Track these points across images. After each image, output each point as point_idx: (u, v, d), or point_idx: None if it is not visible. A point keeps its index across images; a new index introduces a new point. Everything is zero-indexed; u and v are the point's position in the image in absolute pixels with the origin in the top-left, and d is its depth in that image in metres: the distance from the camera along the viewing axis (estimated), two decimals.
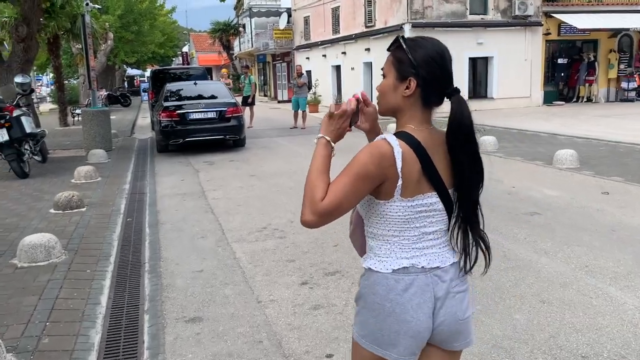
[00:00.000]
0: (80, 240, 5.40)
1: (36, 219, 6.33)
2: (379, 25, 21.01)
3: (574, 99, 21.59)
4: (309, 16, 27.84)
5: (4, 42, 12.18)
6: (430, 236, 1.63)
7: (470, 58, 19.90)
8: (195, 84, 12.53)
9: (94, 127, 11.94)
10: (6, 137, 8.56)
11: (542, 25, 20.30)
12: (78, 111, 19.42)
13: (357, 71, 22.91)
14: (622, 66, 21.25)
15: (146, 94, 33.39)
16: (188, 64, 58.11)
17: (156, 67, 64.14)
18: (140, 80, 61.65)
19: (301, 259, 4.80)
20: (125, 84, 50.20)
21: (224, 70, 32.26)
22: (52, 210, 6.67)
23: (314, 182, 1.56)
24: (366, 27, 21.89)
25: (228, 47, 47.14)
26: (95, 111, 12.03)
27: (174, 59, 62.32)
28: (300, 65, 17.41)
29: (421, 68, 1.57)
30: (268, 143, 13.03)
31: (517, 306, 3.68)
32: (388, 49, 1.67)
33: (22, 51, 10.51)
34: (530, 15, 19.88)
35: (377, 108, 1.72)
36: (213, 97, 12.06)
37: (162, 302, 3.98)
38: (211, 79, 29.14)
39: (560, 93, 21.72)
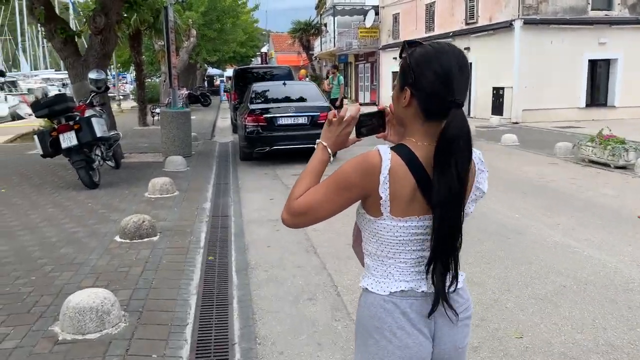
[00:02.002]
0: (147, 295, 3.95)
1: (97, 250, 5.00)
2: (482, 22, 18.87)
3: None
4: (398, 13, 26.00)
5: (82, 35, 11.23)
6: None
7: (589, 60, 17.35)
8: (284, 84, 11.09)
9: (173, 130, 10.76)
10: (75, 142, 7.41)
11: None
12: (158, 110, 18.65)
13: None
14: None
15: (225, 94, 32.98)
16: (267, 64, 57.80)
17: (235, 67, 64.66)
18: (220, 80, 62.15)
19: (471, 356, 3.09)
20: (205, 83, 50.28)
21: (302, 71, 31.09)
22: (117, 238, 5.34)
23: (298, 181, 1.55)
24: (466, 24, 19.80)
25: (308, 48, 46.08)
26: (175, 112, 10.86)
27: (252, 59, 62.35)
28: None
29: (417, 78, 1.43)
30: (361, 150, 11.37)
31: None
32: (399, 56, 1.52)
33: (99, 44, 9.47)
34: None
35: None
36: (304, 99, 10.58)
37: None
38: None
39: None
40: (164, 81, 22.23)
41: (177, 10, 19.15)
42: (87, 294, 3.43)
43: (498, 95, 17.95)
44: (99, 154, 8.21)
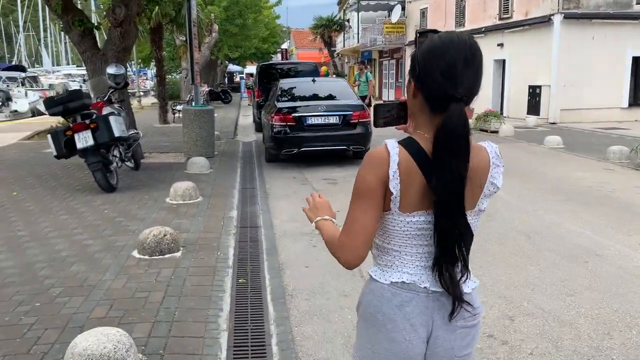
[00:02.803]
0: (169, 331, 3.30)
1: (111, 269, 4.37)
2: (517, 16, 17.96)
3: None
4: (426, 8, 25.14)
5: (101, 28, 10.66)
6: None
7: (633, 57, 16.35)
8: (313, 81, 10.39)
9: (195, 129, 10.15)
10: (91, 142, 6.82)
11: None
12: (179, 108, 18.12)
13: (486, 70, 19.80)
14: None
15: (246, 91, 32.40)
16: (287, 60, 57.18)
17: (256, 63, 64.24)
18: (240, 77, 61.69)
19: None
20: (226, 80, 49.85)
21: (323, 68, 30.37)
22: (135, 254, 4.71)
23: (331, 240, 1.54)
24: (500, 19, 18.90)
25: (330, 44, 45.43)
26: (197, 110, 10.24)
27: (273, 55, 61.77)
28: None
29: (420, 68, 1.40)
30: None
31: None
32: (414, 45, 1.49)
33: (118, 37, 8.88)
34: None
35: None
36: (334, 97, 9.87)
37: None
38: None
39: None
40: (185, 77, 21.72)
41: (199, 4, 18.58)
42: (96, 336, 2.78)
43: (534, 94, 17.04)
44: (117, 155, 7.62)
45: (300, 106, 9.33)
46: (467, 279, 1.45)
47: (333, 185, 8.02)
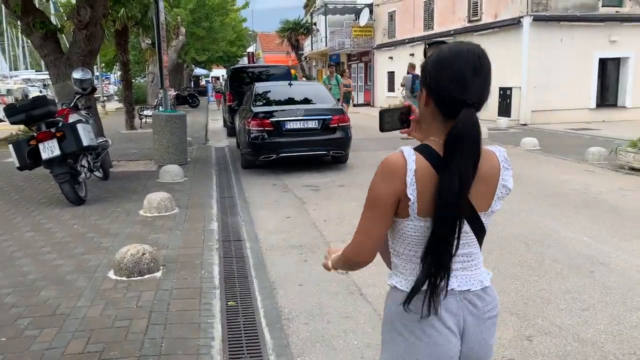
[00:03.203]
0: None
1: (86, 293, 3.97)
2: (486, 19, 18.06)
3: None
4: (394, 11, 25.13)
5: (64, 31, 10.11)
6: (460, 258, 1.50)
7: (600, 59, 16.61)
8: (290, 84, 10.08)
9: (167, 136, 9.70)
10: (57, 152, 6.35)
11: None
12: (146, 113, 17.55)
13: None
14: None
15: (214, 94, 31.77)
16: (254, 64, 56.55)
17: (222, 67, 63.18)
18: (206, 80, 60.70)
19: None
20: (191, 83, 48.97)
21: (291, 72, 29.99)
22: (111, 275, 4.32)
23: (345, 254, 1.61)
24: (469, 21, 18.96)
25: (297, 47, 45.14)
26: (168, 116, 9.80)
27: (239, 59, 61.04)
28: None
29: (431, 77, 1.47)
30: (373, 159, 10.42)
31: None
32: (423, 56, 1.58)
33: (84, 40, 8.37)
34: None
35: None
36: (311, 101, 9.58)
37: None
38: None
39: None
40: (152, 81, 21.12)
41: (165, 7, 18.05)
42: None
43: (505, 96, 17.13)
44: (86, 165, 7.15)
45: (277, 110, 9.01)
46: (449, 276, 1.49)
47: (315, 192, 7.72)
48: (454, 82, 1.41)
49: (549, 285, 4.06)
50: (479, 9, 18.44)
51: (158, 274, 4.37)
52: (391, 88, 24.15)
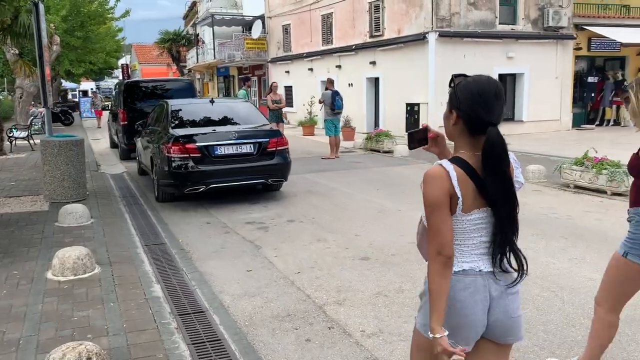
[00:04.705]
0: None
1: None
2: (389, 34, 17.89)
3: (597, 122, 19.30)
4: (289, 24, 24.39)
5: None
6: (487, 244, 1.90)
7: (499, 75, 17.11)
8: (211, 101, 8.71)
9: (61, 166, 7.91)
10: None
11: (574, 38, 17.88)
12: (18, 134, 15.01)
13: (358, 88, 19.63)
14: None
15: (94, 111, 28.70)
16: (129, 76, 52.88)
17: (92, 80, 58.34)
18: (73, 95, 55.63)
19: None
20: (60, 98, 44.40)
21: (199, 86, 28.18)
22: None
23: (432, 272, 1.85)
24: (372, 36, 18.71)
25: (178, 59, 42.87)
26: (63, 142, 7.98)
27: (112, 71, 56.76)
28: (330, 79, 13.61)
29: (462, 104, 1.85)
30: (307, 184, 9.40)
31: None
32: (449, 85, 1.94)
33: None
34: (563, 27, 17.42)
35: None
36: (240, 122, 8.31)
37: None
38: None
39: (587, 115, 19.41)
40: (20, 97, 18.29)
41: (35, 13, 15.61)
42: None
43: (412, 112, 17.01)
44: None
45: (204, 133, 7.65)
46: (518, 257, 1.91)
47: (264, 231, 6.51)
48: (481, 106, 1.83)
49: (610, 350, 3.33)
50: (381, 24, 18.25)
51: None
52: (289, 103, 23.28)
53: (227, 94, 34.06)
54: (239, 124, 8.15)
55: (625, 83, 19.01)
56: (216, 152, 7.50)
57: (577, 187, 8.29)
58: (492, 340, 1.92)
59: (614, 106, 19.22)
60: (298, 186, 9.12)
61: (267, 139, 7.75)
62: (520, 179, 1.94)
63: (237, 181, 7.64)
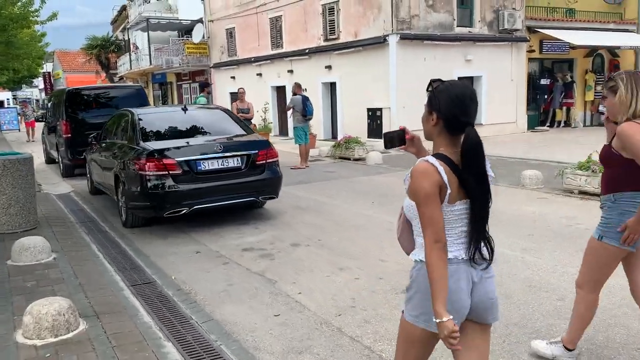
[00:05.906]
0: None
1: None
2: (345, 37, 17.26)
3: (548, 123, 19.57)
4: (233, 28, 23.26)
5: None
6: (466, 233, 2.06)
7: (459, 77, 16.86)
8: (184, 109, 7.59)
9: (7, 190, 6.58)
10: None
11: (528, 40, 17.98)
12: None
13: (313, 93, 18.77)
14: (598, 88, 19.65)
15: (6, 122, 26.26)
16: (52, 85, 49.44)
17: (6, 90, 54.19)
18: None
19: None
20: None
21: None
22: None
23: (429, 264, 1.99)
24: (326, 39, 18.01)
25: (108, 66, 40.47)
26: (8, 160, 6.64)
27: (33, 80, 52.95)
28: (298, 83, 12.60)
29: (442, 107, 2.06)
30: (290, 198, 8.46)
31: None
32: (427, 89, 2.15)
33: None
34: (517, 29, 17.46)
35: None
36: (220, 132, 7.27)
37: None
38: None
39: (539, 117, 19.62)
40: None
41: None
42: None
43: (375, 117, 16.42)
44: None
45: (184, 146, 6.56)
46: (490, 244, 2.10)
47: (270, 260, 5.54)
48: (459, 108, 2.03)
49: None
50: (336, 27, 17.57)
51: None
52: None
53: (165, 102, 32.33)
54: (219, 135, 7.11)
55: (574, 85, 19.42)
56: (199, 168, 6.45)
57: (582, 192, 7.87)
58: (475, 321, 2.10)
59: (564, 108, 19.55)
60: (282, 201, 8.16)
61: (256, 151, 6.78)
62: (491, 173, 2.09)
63: (224, 200, 6.61)
